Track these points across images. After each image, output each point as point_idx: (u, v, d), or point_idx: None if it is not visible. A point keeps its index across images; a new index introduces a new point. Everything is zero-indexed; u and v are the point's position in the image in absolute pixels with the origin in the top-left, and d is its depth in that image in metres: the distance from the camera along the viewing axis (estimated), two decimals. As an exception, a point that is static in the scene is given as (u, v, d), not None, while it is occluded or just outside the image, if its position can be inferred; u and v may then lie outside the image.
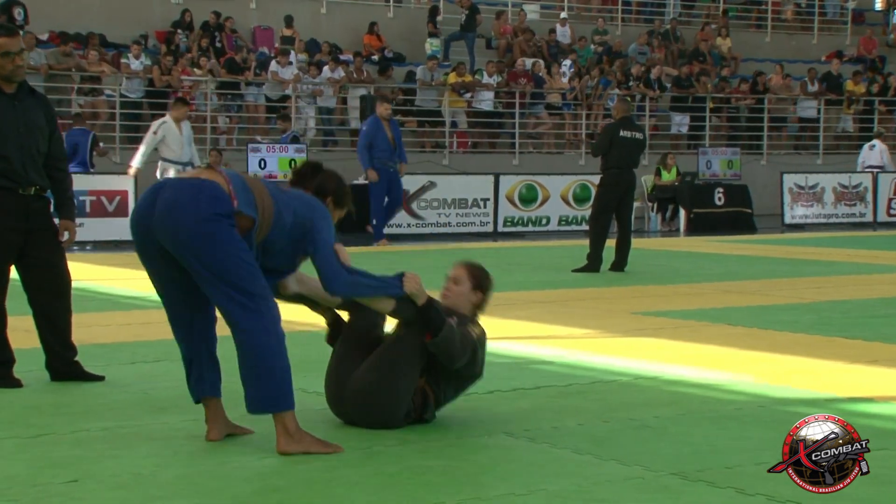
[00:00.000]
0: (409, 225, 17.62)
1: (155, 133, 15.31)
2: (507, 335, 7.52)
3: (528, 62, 23.42)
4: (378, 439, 4.69)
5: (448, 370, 4.87)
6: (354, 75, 21.19)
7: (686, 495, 3.93)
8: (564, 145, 23.16)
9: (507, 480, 4.14)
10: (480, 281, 5.25)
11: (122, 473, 4.20)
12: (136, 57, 19.58)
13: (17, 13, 19.67)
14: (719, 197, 19.98)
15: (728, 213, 19.97)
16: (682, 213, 19.91)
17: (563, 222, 18.73)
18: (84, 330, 6.70)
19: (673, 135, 24.14)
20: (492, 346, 7.06)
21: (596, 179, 13.03)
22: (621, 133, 11.93)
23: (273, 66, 20.62)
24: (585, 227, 18.14)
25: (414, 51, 23.68)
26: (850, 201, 21.02)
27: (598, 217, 12.13)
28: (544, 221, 18.66)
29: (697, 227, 19.41)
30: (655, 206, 20.38)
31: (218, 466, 4.31)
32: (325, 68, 21.06)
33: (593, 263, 11.83)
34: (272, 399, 4.44)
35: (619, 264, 11.90)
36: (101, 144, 17.03)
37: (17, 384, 5.76)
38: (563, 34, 25.44)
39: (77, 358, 5.94)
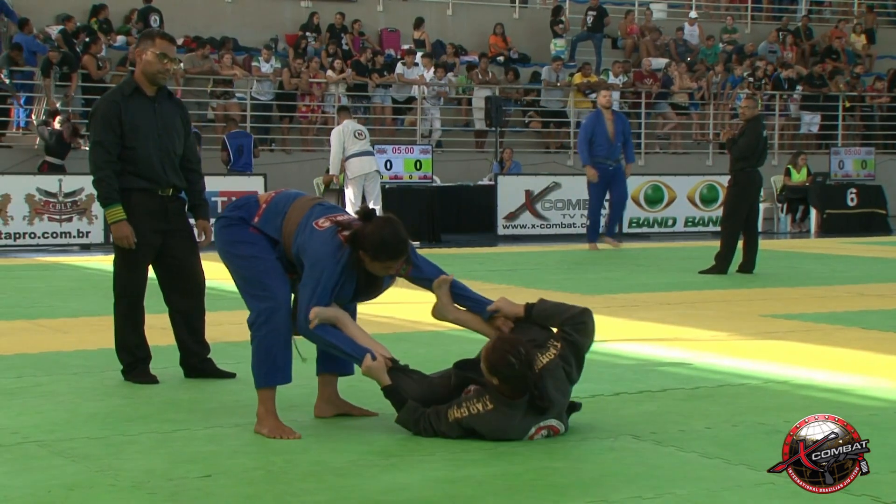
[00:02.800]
0: (533, 226, 17.60)
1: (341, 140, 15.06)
2: (633, 337, 7.47)
3: (657, 62, 23.19)
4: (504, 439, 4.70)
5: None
6: (480, 76, 21.25)
7: (819, 502, 3.85)
8: (691, 145, 22.86)
9: (634, 483, 4.12)
10: (492, 369, 4.62)
11: (254, 469, 4.29)
12: (267, 60, 19.95)
13: (154, 20, 20.23)
14: (852, 197, 19.52)
15: (861, 214, 19.49)
16: (814, 213, 19.49)
17: (690, 223, 18.50)
18: (216, 328, 6.86)
19: (803, 134, 23.65)
20: (618, 347, 7.06)
21: (723, 179, 12.84)
22: (763, 133, 11.84)
23: (399, 67, 20.81)
24: (712, 228, 17.97)
25: (539, 51, 23.64)
26: None
27: (731, 217, 11.88)
28: (670, 222, 18.45)
29: (829, 228, 18.99)
30: (785, 206, 20.00)
31: (347, 465, 4.37)
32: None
33: (721, 265, 11.66)
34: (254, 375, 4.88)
35: (748, 266, 11.71)
36: (259, 147, 17.57)
37: (153, 380, 5.93)
38: (691, 33, 25.12)
39: (210, 355, 6.09)
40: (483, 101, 20.35)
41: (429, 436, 4.71)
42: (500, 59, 22.73)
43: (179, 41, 20.36)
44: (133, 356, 6.01)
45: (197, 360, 6.05)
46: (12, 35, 18.67)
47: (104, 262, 13.11)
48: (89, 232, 15.14)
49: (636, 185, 18.29)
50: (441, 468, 4.30)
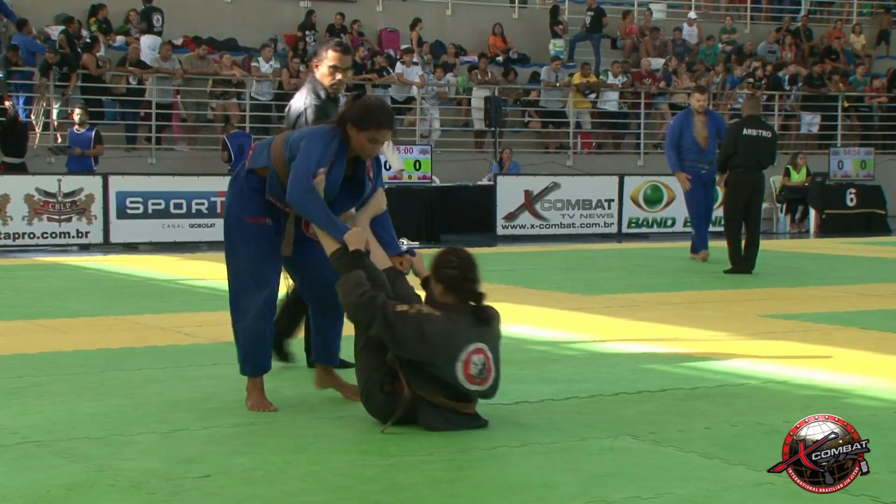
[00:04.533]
0: (532, 226, 17.61)
1: None
2: (632, 337, 7.47)
3: (656, 62, 23.20)
4: (502, 440, 4.71)
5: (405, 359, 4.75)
6: (479, 76, 21.25)
7: (819, 502, 3.85)
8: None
9: (633, 483, 4.12)
10: (435, 270, 4.82)
11: (253, 469, 4.29)
12: (267, 60, 19.95)
13: (156, 19, 20.25)
14: (851, 198, 19.52)
15: (860, 214, 19.50)
16: (813, 214, 19.49)
17: (689, 224, 18.49)
18: (216, 328, 6.85)
19: (803, 134, 23.66)
20: (617, 347, 7.07)
21: (724, 181, 12.81)
22: (745, 131, 11.73)
23: (398, 67, 20.81)
24: (712, 228, 17.95)
25: (538, 52, 23.65)
26: None
27: (725, 218, 11.96)
28: (670, 223, 18.45)
29: (828, 228, 18.99)
30: (784, 206, 20.00)
31: (346, 465, 4.37)
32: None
33: (735, 265, 11.67)
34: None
35: (747, 266, 11.71)
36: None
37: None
38: (690, 33, 25.13)
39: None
40: (481, 102, 20.35)
41: (367, 318, 4.73)
42: (500, 59, 22.73)
43: (178, 41, 20.39)
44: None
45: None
46: (11, 35, 18.67)
47: (103, 263, 13.12)
48: (88, 232, 15.14)
49: (635, 185, 18.30)
50: (440, 469, 4.31)
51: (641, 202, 18.30)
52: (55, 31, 19.24)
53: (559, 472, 4.27)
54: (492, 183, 17.91)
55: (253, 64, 20.12)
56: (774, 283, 11.01)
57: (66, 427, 4.92)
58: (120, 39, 20.19)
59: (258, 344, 5.25)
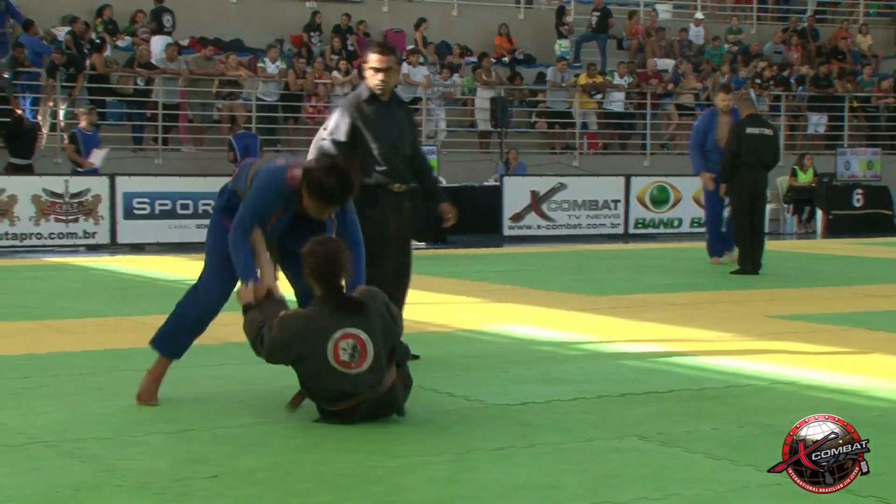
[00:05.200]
0: (538, 227, 17.60)
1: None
2: (638, 338, 7.46)
3: (662, 63, 23.20)
4: (509, 440, 4.71)
5: None
6: (484, 77, 21.24)
7: (824, 503, 3.85)
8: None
9: (640, 484, 4.11)
10: (304, 258, 4.93)
11: (260, 470, 4.29)
12: (273, 61, 19.97)
13: (166, 20, 20.29)
14: (858, 198, 19.50)
15: (867, 214, 19.48)
16: (820, 214, 19.47)
17: (696, 224, 18.47)
18: (222, 328, 6.85)
19: (809, 135, 23.63)
20: (623, 347, 7.06)
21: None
22: (748, 130, 11.74)
23: (405, 67, 20.81)
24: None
25: (544, 52, 23.64)
26: None
27: (735, 220, 11.96)
28: (676, 223, 18.45)
29: (835, 229, 18.97)
30: (791, 207, 19.97)
31: (352, 465, 4.37)
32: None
33: (743, 266, 11.65)
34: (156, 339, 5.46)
35: (754, 266, 11.70)
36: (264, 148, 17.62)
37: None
38: (696, 34, 25.10)
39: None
40: (486, 102, 20.35)
41: (258, 348, 4.96)
42: (505, 59, 22.73)
43: (185, 42, 20.41)
44: None
45: None
46: (18, 36, 18.70)
47: (110, 263, 13.14)
48: (95, 233, 15.15)
49: (641, 185, 18.29)
50: (445, 469, 4.31)
51: (648, 203, 18.30)
52: (62, 32, 19.26)
53: (566, 472, 4.27)
54: (498, 183, 17.91)
55: (259, 64, 20.13)
56: (781, 283, 11.00)
57: (73, 427, 4.93)
58: (126, 40, 20.22)
59: (186, 331, 5.43)
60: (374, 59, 6.40)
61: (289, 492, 4.01)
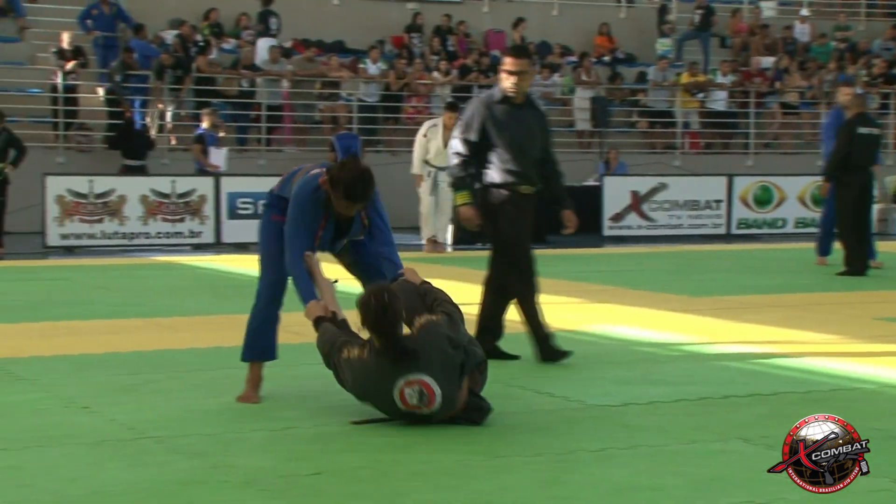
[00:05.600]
0: (639, 227, 17.46)
1: (424, 135, 14.53)
2: (741, 339, 7.37)
3: (766, 61, 22.84)
4: (610, 441, 4.68)
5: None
6: (584, 76, 21.15)
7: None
8: (802, 145, 22.46)
9: (744, 488, 4.06)
10: (358, 309, 4.91)
11: (362, 468, 4.33)
12: (374, 62, 20.12)
13: (273, 22, 20.59)
14: (970, 197, 18.98)
15: (980, 214, 18.94)
16: (930, 214, 18.98)
17: (801, 224, 18.15)
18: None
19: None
20: (727, 349, 6.98)
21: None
22: (859, 130, 11.52)
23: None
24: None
25: (645, 51, 23.44)
26: None
27: (842, 220, 11.70)
28: (780, 223, 18.14)
29: (947, 229, 18.48)
30: (900, 207, 19.51)
31: (453, 464, 4.39)
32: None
33: (850, 268, 11.43)
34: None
35: (861, 268, 11.46)
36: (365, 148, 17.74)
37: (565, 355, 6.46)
38: (802, 31, 24.67)
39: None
40: (586, 102, 20.23)
41: (328, 366, 5.07)
42: (606, 58, 22.59)
43: (288, 44, 20.67)
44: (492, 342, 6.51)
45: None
46: (128, 40, 19.12)
47: (215, 262, 13.36)
48: (201, 232, 15.42)
49: (744, 185, 18.04)
50: (547, 469, 4.30)
51: (751, 203, 18.03)
52: (169, 35, 19.66)
53: (668, 475, 4.23)
54: (598, 184, 17.81)
55: (360, 66, 20.30)
56: (890, 285, 10.77)
57: (180, 424, 5.03)
58: (231, 42, 20.55)
59: (256, 333, 5.53)
60: (507, 62, 6.51)
61: (390, 490, 4.05)
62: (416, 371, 4.78)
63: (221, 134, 16.94)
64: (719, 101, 21.78)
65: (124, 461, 4.42)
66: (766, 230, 18.03)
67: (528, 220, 6.60)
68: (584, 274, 11.70)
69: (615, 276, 11.48)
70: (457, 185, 6.65)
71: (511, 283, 6.61)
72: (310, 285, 5.26)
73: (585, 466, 4.36)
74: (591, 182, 18.66)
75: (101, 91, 18.74)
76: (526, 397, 5.62)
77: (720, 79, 21.88)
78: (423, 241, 14.55)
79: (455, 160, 6.60)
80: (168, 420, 5.10)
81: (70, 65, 17.90)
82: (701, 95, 21.71)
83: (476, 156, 6.55)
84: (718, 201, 17.81)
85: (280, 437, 4.82)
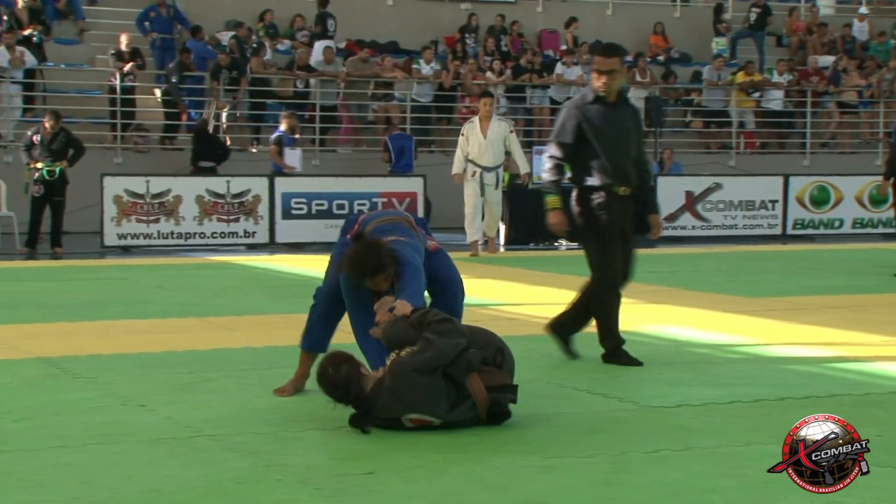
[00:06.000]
0: (693, 227, 17.34)
1: (463, 134, 14.10)
2: (797, 340, 7.30)
3: (823, 60, 22.60)
4: (664, 443, 4.66)
5: None
6: (638, 76, 21.04)
7: None
8: (860, 144, 22.20)
9: (801, 491, 4.02)
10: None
11: (416, 467, 4.34)
12: (428, 62, 20.16)
13: (330, 24, 20.72)
14: None
15: None
16: None
17: (858, 225, 17.95)
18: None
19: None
20: (782, 351, 6.92)
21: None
22: None
23: (559, 67, 20.76)
24: (882, 230, 17.42)
25: (700, 50, 23.29)
26: None
27: None
28: (837, 224, 17.95)
29: None
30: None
31: (506, 464, 4.39)
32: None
33: None
34: None
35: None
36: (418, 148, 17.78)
37: (636, 363, 6.42)
38: (860, 29, 24.38)
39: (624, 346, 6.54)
40: (640, 102, 20.12)
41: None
42: (660, 58, 22.47)
43: (342, 45, 20.77)
44: (617, 340, 6.52)
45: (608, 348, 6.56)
46: (185, 41, 19.31)
47: (269, 262, 13.46)
48: (255, 232, 15.53)
49: (801, 185, 17.87)
50: (600, 470, 4.29)
51: (807, 203, 17.85)
52: (225, 37, 19.82)
53: (722, 477, 4.21)
54: (652, 183, 17.71)
55: (414, 66, 20.34)
56: (949, 286, 10.61)
57: (235, 422, 5.07)
58: (286, 44, 20.68)
59: (314, 326, 5.67)
60: (597, 60, 6.49)
61: (444, 490, 4.05)
62: (400, 411, 4.85)
63: (297, 136, 17.05)
64: (775, 100, 21.58)
65: (180, 459, 4.47)
66: (822, 231, 17.85)
67: (624, 222, 6.54)
68: (637, 274, 11.60)
69: (669, 277, 11.41)
70: (547, 190, 6.68)
71: (596, 281, 6.58)
72: (379, 355, 5.18)
73: (639, 468, 4.34)
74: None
75: (157, 92, 18.93)
76: (580, 398, 5.61)
77: (776, 78, 21.68)
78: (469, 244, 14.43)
79: (548, 164, 6.63)
80: (223, 418, 5.15)
81: (128, 66, 18.11)
82: (756, 95, 21.53)
83: (572, 159, 6.54)
84: (774, 201, 17.65)
85: (334, 436, 4.85)
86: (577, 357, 6.62)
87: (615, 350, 6.51)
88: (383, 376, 4.90)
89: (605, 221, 6.48)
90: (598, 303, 6.56)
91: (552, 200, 6.62)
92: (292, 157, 16.49)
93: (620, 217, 6.52)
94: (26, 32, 18.42)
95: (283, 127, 16.66)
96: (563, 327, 6.70)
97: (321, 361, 5.08)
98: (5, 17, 18.63)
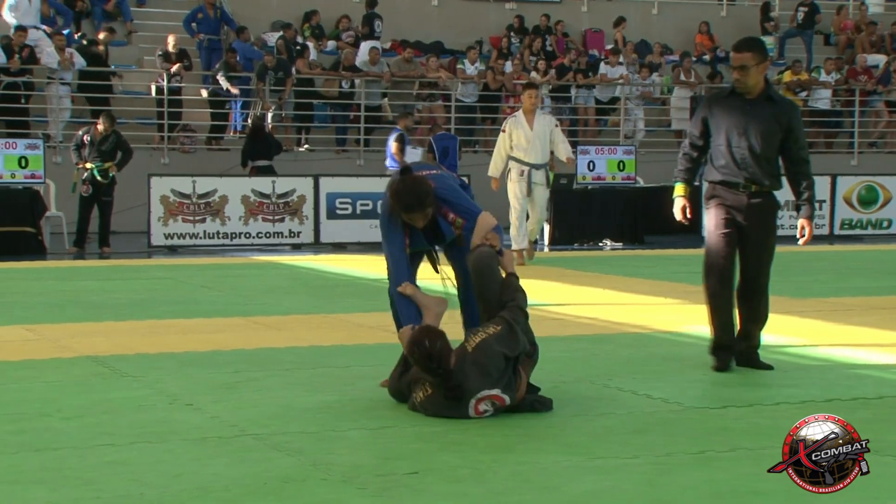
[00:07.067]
0: (740, 227, 17.22)
1: (504, 130, 12.82)
2: (845, 342, 7.24)
3: (872, 58, 22.36)
4: (710, 444, 4.64)
5: None
6: (683, 76, 20.94)
7: None
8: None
9: (847, 493, 3.98)
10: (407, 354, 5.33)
11: (461, 468, 4.35)
12: (473, 62, 20.17)
13: (377, 25, 20.81)
14: None
15: None
16: None
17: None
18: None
19: None
20: (829, 352, 6.86)
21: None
22: None
23: (603, 67, 20.70)
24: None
25: (747, 49, 23.09)
26: None
27: None
28: (885, 224, 17.76)
29: None
30: None
31: (552, 465, 4.39)
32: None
33: None
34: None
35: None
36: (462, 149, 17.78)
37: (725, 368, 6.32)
38: (910, 27, 24.12)
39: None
40: (684, 101, 20.01)
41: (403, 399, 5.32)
42: (706, 57, 22.35)
43: (387, 45, 20.82)
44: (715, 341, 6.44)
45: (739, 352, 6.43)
46: (231, 42, 19.44)
47: (314, 262, 13.52)
48: (300, 232, 15.60)
49: (849, 185, 17.70)
50: (645, 471, 4.28)
51: (855, 203, 17.68)
52: (272, 38, 19.94)
53: (768, 479, 4.17)
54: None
55: (458, 66, 20.36)
56: None
57: (280, 421, 5.11)
58: (331, 44, 20.76)
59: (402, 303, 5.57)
60: (732, 56, 6.41)
61: (489, 490, 4.06)
62: (482, 388, 5.02)
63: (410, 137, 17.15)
64: (823, 99, 21.39)
65: (226, 458, 4.50)
66: (870, 231, 17.67)
67: (748, 223, 6.42)
68: (682, 275, 11.59)
69: (715, 278, 11.32)
70: (675, 177, 6.72)
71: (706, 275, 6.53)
72: (409, 310, 5.36)
73: (684, 469, 4.33)
74: (690, 182, 18.43)
75: (204, 93, 19.08)
76: (624, 399, 5.59)
77: (824, 77, 21.48)
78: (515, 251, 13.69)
79: (679, 153, 6.66)
80: (268, 417, 5.18)
81: (175, 67, 18.26)
82: (804, 94, 21.34)
83: (704, 151, 6.48)
84: (821, 201, 17.49)
85: (379, 436, 4.87)
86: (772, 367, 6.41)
87: (715, 349, 6.41)
88: (464, 353, 5.08)
89: (715, 218, 6.41)
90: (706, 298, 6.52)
91: (676, 188, 6.65)
92: (413, 155, 16.58)
93: (738, 216, 6.37)
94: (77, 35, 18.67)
95: (401, 126, 16.74)
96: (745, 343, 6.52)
97: (414, 334, 5.14)
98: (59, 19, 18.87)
